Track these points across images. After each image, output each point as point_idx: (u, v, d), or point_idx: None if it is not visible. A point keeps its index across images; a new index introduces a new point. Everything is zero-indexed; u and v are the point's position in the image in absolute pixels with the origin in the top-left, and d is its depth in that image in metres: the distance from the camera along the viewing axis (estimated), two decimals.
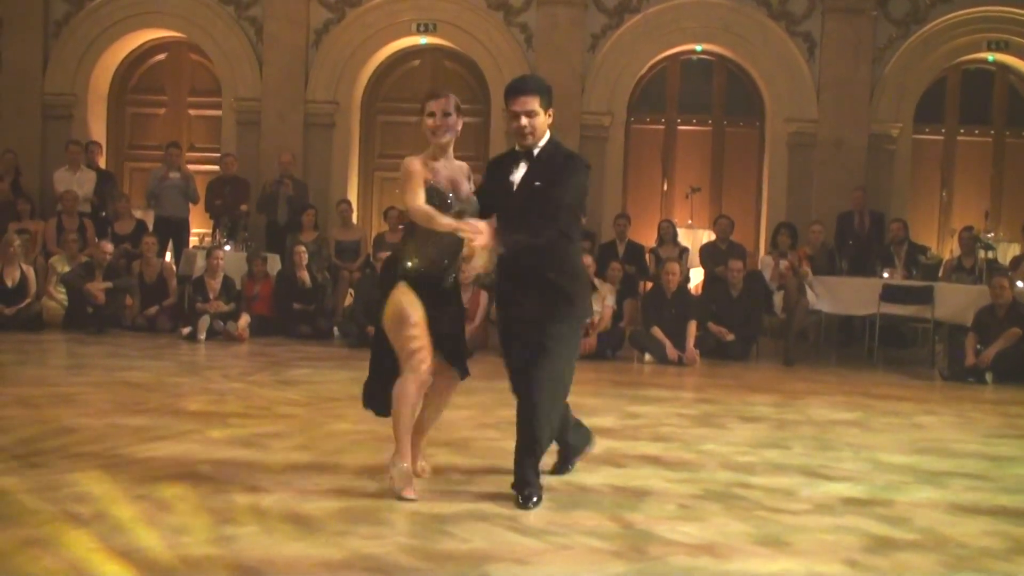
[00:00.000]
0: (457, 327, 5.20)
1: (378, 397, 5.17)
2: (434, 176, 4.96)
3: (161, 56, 15.86)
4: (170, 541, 4.20)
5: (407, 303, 4.95)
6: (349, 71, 15.04)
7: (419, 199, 4.89)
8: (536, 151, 5.01)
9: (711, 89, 15.52)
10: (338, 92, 15.01)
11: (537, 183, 4.94)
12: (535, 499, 4.88)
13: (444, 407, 5.38)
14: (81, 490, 4.93)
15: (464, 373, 5.20)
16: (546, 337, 4.92)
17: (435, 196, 4.92)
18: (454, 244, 5.00)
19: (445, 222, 4.82)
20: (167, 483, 5.12)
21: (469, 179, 5.17)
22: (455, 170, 5.09)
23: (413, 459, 5.16)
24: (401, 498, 4.83)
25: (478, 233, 4.77)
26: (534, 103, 4.93)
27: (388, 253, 11.24)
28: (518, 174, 5.02)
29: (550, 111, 5.03)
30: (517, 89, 4.99)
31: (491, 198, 5.10)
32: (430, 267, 5.03)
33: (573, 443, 5.53)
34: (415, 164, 4.97)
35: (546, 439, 5.05)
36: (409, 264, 5.02)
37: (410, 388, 4.94)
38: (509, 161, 5.11)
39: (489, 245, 4.82)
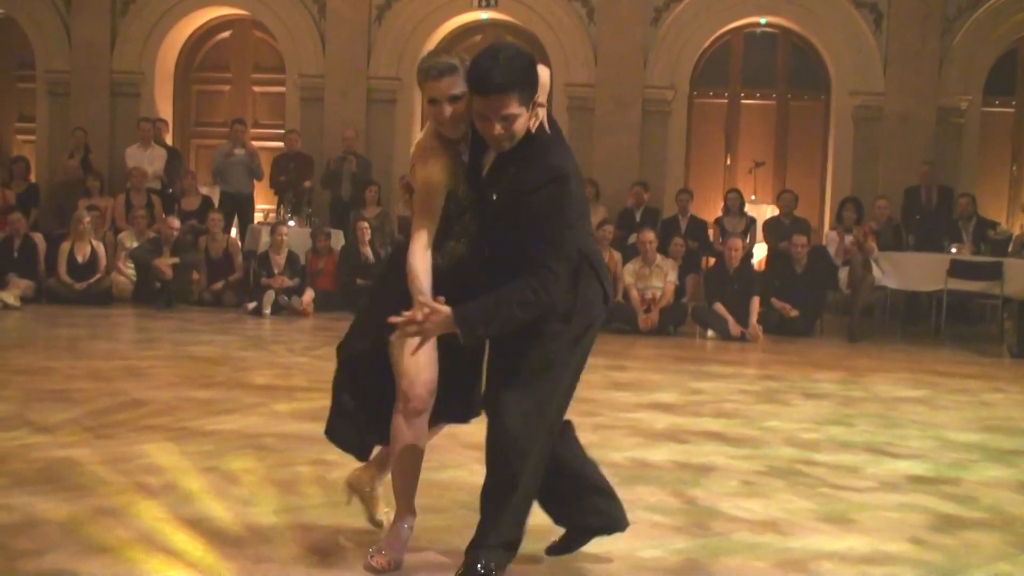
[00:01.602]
0: (474, 354, 3.79)
1: (346, 429, 3.98)
2: (458, 181, 3.71)
3: (226, 34, 15.99)
4: (238, 512, 4.27)
5: (417, 358, 3.61)
6: (411, 47, 15.05)
7: (425, 242, 3.64)
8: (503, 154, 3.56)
9: (775, 62, 15.32)
10: (400, 68, 15.03)
11: (494, 196, 3.57)
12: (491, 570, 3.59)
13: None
14: (151, 461, 5.03)
15: (469, 415, 3.98)
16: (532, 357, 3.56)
17: (454, 204, 3.71)
18: (470, 239, 3.76)
19: (419, 299, 3.48)
20: (234, 455, 5.21)
21: None
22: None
23: (373, 504, 4.07)
24: (369, 566, 3.72)
25: (421, 329, 3.43)
26: (512, 104, 3.42)
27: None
28: (485, 171, 3.66)
29: (533, 102, 3.50)
30: (483, 85, 3.41)
31: (471, 187, 3.72)
32: (456, 261, 3.78)
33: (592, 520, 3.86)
34: (436, 168, 3.67)
35: (527, 483, 3.61)
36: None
37: (413, 429, 3.73)
38: (475, 146, 3.69)
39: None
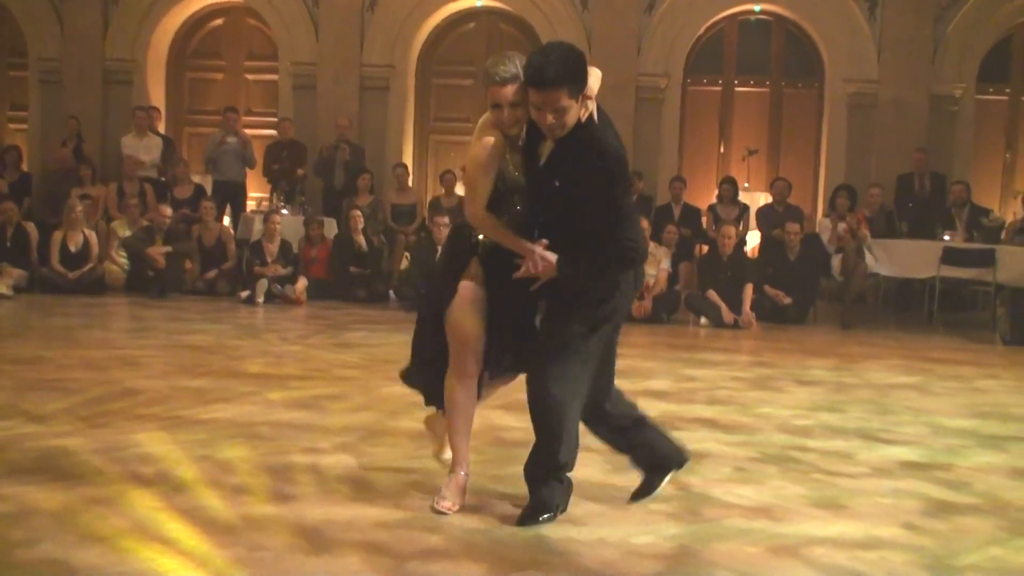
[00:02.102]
0: (528, 314, 4.31)
1: (421, 381, 4.56)
2: (507, 161, 4.18)
3: (219, 21, 15.93)
4: (231, 501, 4.27)
5: (471, 296, 4.20)
6: (404, 34, 15.02)
7: (484, 198, 4.15)
8: (558, 142, 4.03)
9: (769, 50, 15.30)
10: (393, 55, 15.00)
11: (556, 183, 4.02)
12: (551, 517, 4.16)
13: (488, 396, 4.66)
14: (144, 451, 5.03)
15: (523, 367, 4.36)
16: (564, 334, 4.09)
17: (504, 184, 4.18)
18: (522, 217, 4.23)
19: (515, 246, 4.09)
20: (227, 444, 5.21)
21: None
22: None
23: (441, 446, 4.61)
24: (435, 509, 4.23)
25: (538, 270, 4.03)
26: (562, 98, 3.88)
27: (446, 219, 11.40)
28: (544, 160, 4.10)
29: (581, 95, 3.94)
30: (538, 79, 3.88)
31: (527, 174, 4.18)
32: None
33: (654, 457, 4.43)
34: (489, 142, 4.14)
35: (568, 435, 4.17)
36: (481, 237, 4.25)
37: (462, 391, 4.27)
38: (531, 132, 4.14)
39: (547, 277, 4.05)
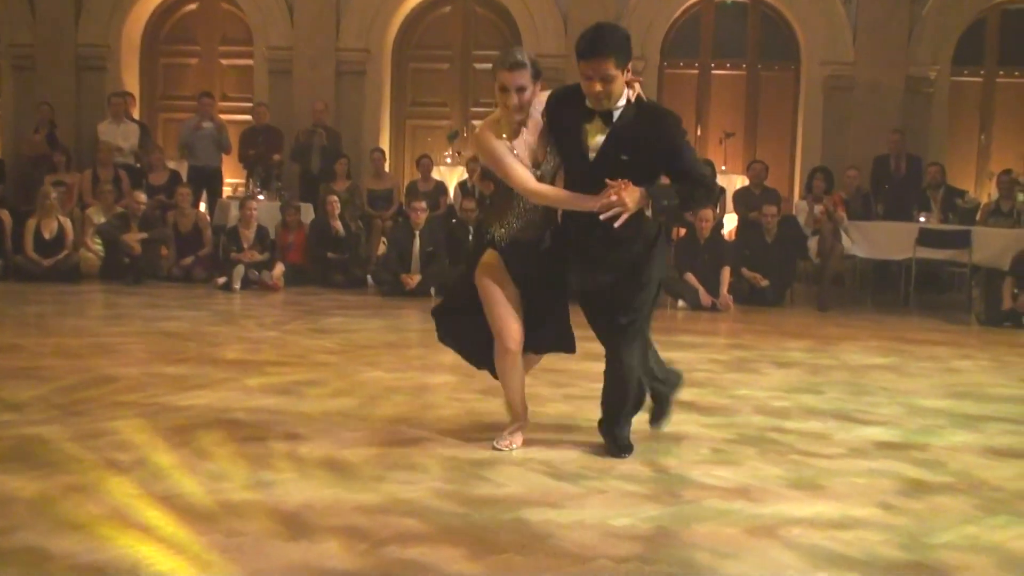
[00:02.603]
0: (559, 296, 4.86)
1: (457, 337, 5.03)
2: (512, 146, 4.55)
3: (192, 6, 15.81)
4: (209, 487, 4.26)
5: (493, 280, 4.68)
6: (380, 18, 14.96)
7: (528, 176, 4.52)
8: (615, 115, 4.47)
9: (745, 32, 15.31)
10: (369, 40, 14.94)
11: (624, 156, 4.44)
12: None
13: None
14: (121, 438, 5.01)
15: (569, 347, 4.97)
16: (631, 305, 4.75)
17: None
18: (539, 211, 4.65)
19: (590, 204, 4.40)
20: (205, 431, 5.19)
21: (543, 135, 4.67)
22: (532, 130, 4.62)
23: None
24: (496, 447, 4.90)
25: (624, 205, 4.35)
26: (609, 66, 4.33)
27: (423, 204, 11.45)
28: (595, 138, 4.50)
29: (628, 68, 4.42)
30: (588, 50, 4.36)
31: (561, 151, 4.64)
32: (519, 235, 4.68)
33: (664, 389, 5.23)
34: (491, 138, 4.56)
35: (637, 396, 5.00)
36: (496, 235, 4.70)
37: (506, 363, 4.77)
38: (579, 113, 4.53)
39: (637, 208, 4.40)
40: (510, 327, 4.67)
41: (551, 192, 4.54)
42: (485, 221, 4.81)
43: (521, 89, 4.43)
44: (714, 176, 4.71)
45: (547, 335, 4.88)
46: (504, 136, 4.54)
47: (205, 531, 3.74)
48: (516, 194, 4.57)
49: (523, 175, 4.48)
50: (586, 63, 4.36)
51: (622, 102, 4.47)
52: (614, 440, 4.96)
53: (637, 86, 4.53)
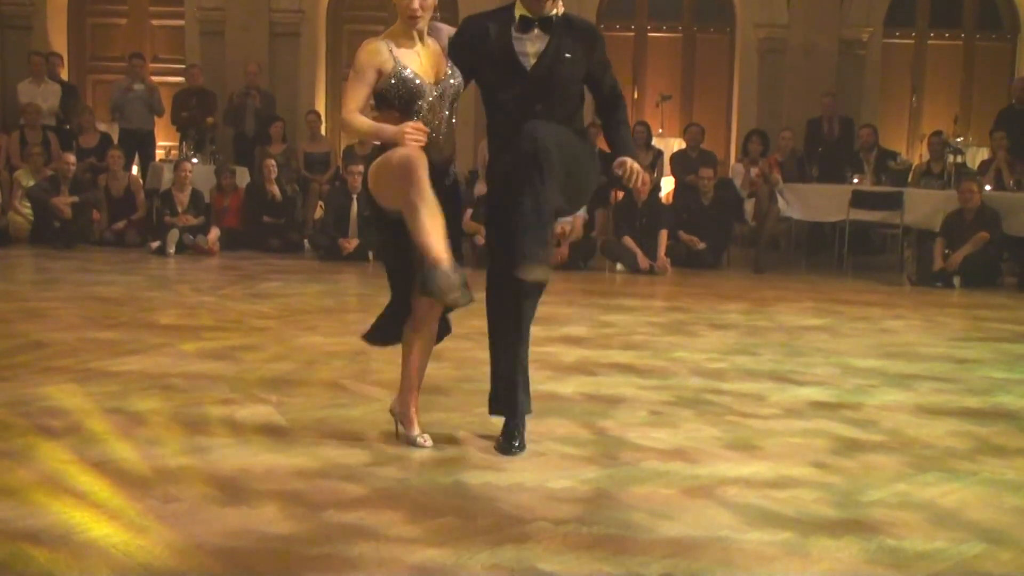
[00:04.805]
0: (455, 232, 4.28)
1: (390, 329, 4.49)
2: (399, 62, 4.14)
3: None
4: (144, 453, 4.21)
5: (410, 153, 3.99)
6: None
7: (354, 105, 4.13)
8: (553, 19, 4.31)
9: None
10: (303, 1, 14.75)
11: (567, 55, 4.29)
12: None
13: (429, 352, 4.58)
14: (54, 404, 4.94)
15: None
16: None
17: (402, 85, 4.13)
18: (448, 131, 4.28)
19: (391, 136, 4.04)
20: (140, 396, 5.13)
21: (445, 54, 4.33)
22: (431, 50, 4.28)
23: (412, 425, 4.49)
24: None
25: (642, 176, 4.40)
26: None
27: (360, 167, 11.30)
28: (533, 45, 4.29)
29: None
30: None
31: (485, 71, 4.37)
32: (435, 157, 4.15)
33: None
34: (367, 51, 4.16)
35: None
36: None
37: (421, 200, 3.92)
38: (505, 27, 4.33)
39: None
40: (413, 151, 3.99)
41: (361, 123, 4.12)
42: (381, 151, 4.18)
43: None
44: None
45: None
46: (394, 45, 4.17)
47: (140, 497, 3.70)
48: (410, 102, 4.14)
49: (351, 99, 4.14)
50: None
51: (557, 9, 4.34)
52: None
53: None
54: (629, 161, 4.36)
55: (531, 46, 4.30)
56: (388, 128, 4.07)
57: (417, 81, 4.14)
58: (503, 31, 4.31)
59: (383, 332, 4.51)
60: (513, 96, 4.30)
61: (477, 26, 4.38)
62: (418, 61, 4.19)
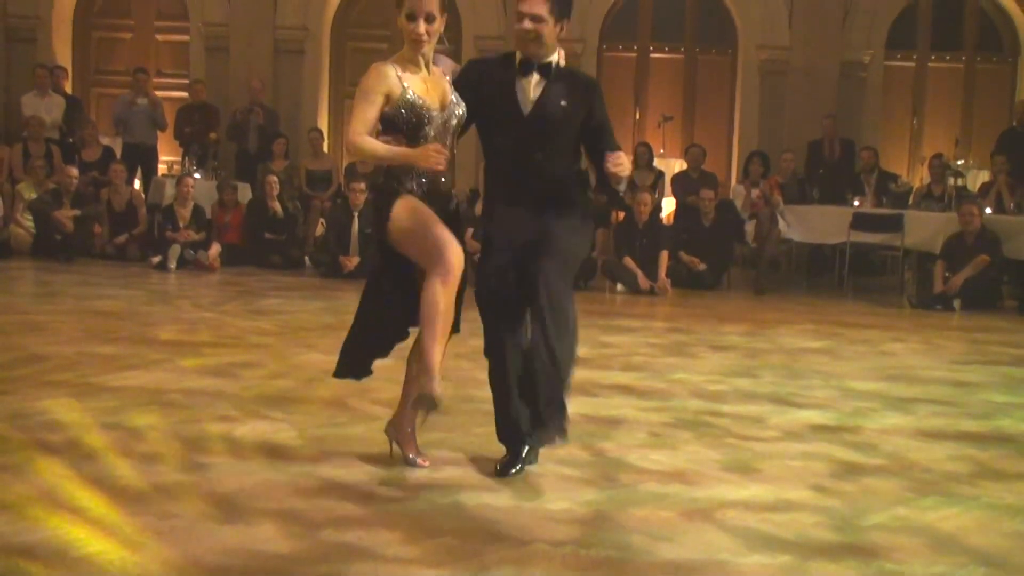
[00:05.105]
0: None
1: (358, 361, 4.45)
2: (407, 88, 4.14)
3: None
4: (142, 469, 4.20)
5: (420, 207, 4.12)
6: None
7: (363, 128, 4.10)
8: (552, 66, 4.39)
9: (683, 16, 15.38)
10: (308, 18, 14.80)
11: (563, 103, 4.36)
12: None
13: None
14: (52, 418, 4.92)
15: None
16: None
17: (410, 111, 4.13)
18: (451, 160, 4.25)
19: (404, 157, 4.08)
20: (139, 412, 5.12)
21: (449, 83, 4.37)
22: (436, 77, 4.31)
23: (409, 445, 4.45)
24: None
25: (625, 165, 4.38)
26: (541, 7, 4.26)
27: (362, 185, 11.30)
28: (532, 91, 4.37)
29: (563, 24, 4.35)
30: None
31: (485, 114, 4.44)
32: (431, 187, 4.21)
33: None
34: (374, 74, 4.14)
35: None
36: (405, 188, 4.19)
37: (441, 297, 4.01)
38: (508, 72, 4.41)
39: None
40: (452, 242, 4.06)
41: (375, 146, 4.09)
42: (392, 173, 4.22)
43: (430, 18, 4.13)
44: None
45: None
46: (400, 70, 4.16)
47: (137, 513, 3.69)
48: (418, 127, 4.15)
49: (359, 122, 4.11)
50: (521, 2, 4.31)
51: (555, 58, 4.42)
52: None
53: (563, 55, 4.50)
54: (621, 154, 4.40)
55: (530, 92, 4.38)
56: (407, 151, 4.08)
57: (425, 107, 4.14)
58: (505, 76, 4.39)
59: (354, 364, 4.47)
60: (510, 141, 4.40)
61: (480, 70, 4.52)
62: (424, 87, 4.19)
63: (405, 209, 4.11)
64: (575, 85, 4.43)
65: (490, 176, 4.57)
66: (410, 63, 4.19)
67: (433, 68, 4.31)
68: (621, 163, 4.34)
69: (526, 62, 4.37)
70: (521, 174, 4.40)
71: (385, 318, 4.32)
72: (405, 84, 4.13)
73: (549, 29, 4.29)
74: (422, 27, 4.10)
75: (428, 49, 4.20)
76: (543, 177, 4.39)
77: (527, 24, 4.26)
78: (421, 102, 4.14)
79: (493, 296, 4.32)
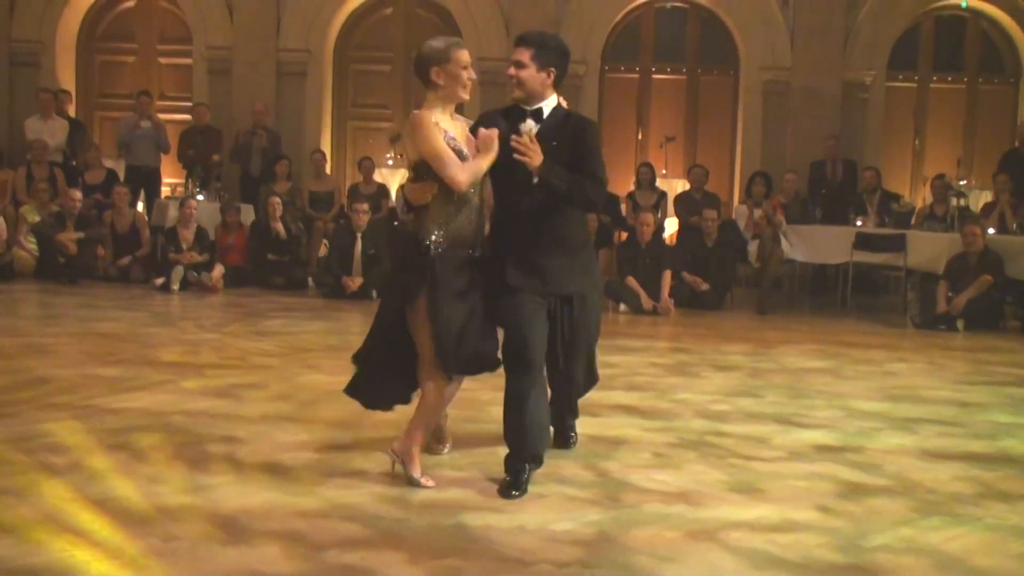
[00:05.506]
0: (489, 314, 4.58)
1: (372, 389, 4.65)
2: (448, 135, 4.40)
3: (130, 3, 15.58)
4: (145, 491, 4.20)
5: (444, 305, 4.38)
6: (321, 19, 14.86)
7: (454, 161, 4.35)
8: (545, 112, 4.63)
9: (685, 37, 15.42)
10: (310, 40, 14.84)
11: (554, 143, 4.54)
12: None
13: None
14: (55, 440, 4.93)
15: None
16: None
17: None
18: (475, 213, 4.49)
19: (484, 163, 4.43)
20: (142, 433, 5.12)
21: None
22: (463, 123, 4.62)
23: (414, 465, 4.52)
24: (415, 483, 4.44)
25: (531, 148, 4.45)
26: (523, 55, 4.56)
27: (365, 206, 11.31)
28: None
29: (550, 71, 4.59)
30: (515, 40, 4.72)
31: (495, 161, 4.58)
32: (458, 237, 4.43)
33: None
34: (428, 120, 4.39)
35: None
36: (433, 237, 4.38)
37: (433, 398, 4.50)
38: (511, 117, 4.67)
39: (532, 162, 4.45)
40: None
41: (472, 168, 4.39)
42: (422, 223, 4.44)
43: (467, 67, 4.47)
44: (604, 191, 4.78)
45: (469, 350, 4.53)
46: (438, 118, 4.43)
47: (141, 535, 3.69)
48: (454, 195, 4.38)
49: (451, 162, 4.34)
50: (513, 51, 4.67)
51: (551, 103, 4.67)
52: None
53: (563, 100, 4.76)
54: (531, 136, 4.51)
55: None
56: (484, 158, 4.42)
57: (463, 154, 4.39)
58: (512, 126, 4.59)
59: (382, 394, 4.69)
60: (516, 184, 4.56)
61: (490, 120, 4.68)
62: (462, 135, 4.50)
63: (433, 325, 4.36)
64: (567, 123, 4.68)
65: (495, 216, 4.72)
66: (443, 112, 4.48)
67: (460, 123, 4.59)
68: (523, 144, 4.44)
69: (520, 111, 4.66)
70: (522, 213, 4.60)
71: (393, 366, 4.59)
72: (447, 132, 4.40)
73: (531, 74, 4.58)
74: (472, 73, 4.45)
75: (468, 94, 4.51)
76: (543, 217, 4.59)
77: (511, 70, 4.62)
78: (462, 149, 4.40)
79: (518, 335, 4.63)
